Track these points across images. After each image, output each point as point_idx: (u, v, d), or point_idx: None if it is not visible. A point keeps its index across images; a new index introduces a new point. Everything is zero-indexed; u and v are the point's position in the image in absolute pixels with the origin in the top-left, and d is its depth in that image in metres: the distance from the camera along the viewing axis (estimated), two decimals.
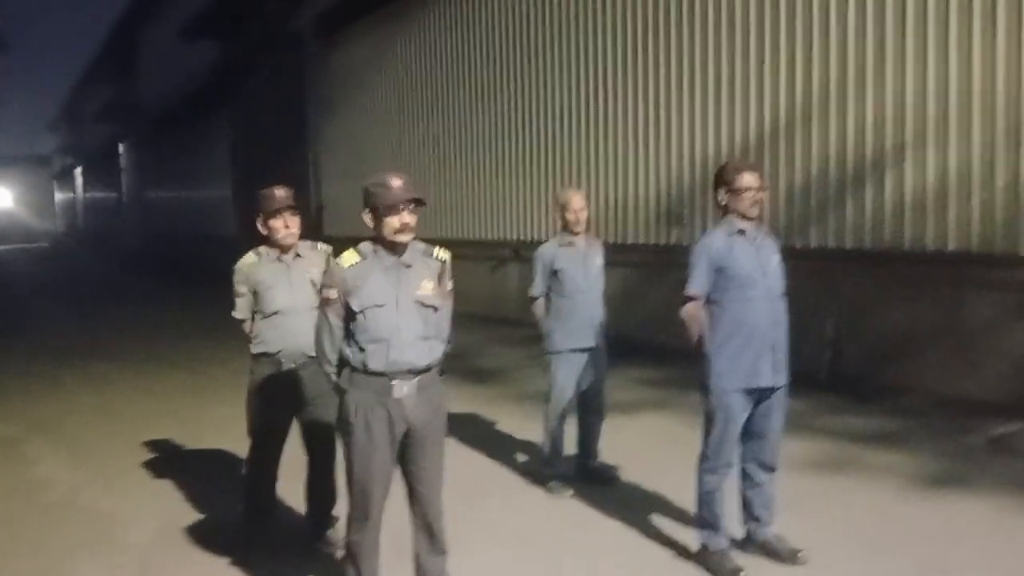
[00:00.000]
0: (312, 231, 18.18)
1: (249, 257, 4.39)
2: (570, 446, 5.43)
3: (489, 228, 12.75)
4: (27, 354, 11.32)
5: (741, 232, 3.91)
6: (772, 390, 3.99)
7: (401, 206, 3.25)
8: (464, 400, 7.43)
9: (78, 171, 54.30)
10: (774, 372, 3.95)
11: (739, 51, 8.58)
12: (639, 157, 9.93)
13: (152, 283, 22.21)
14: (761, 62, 8.35)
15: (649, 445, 6.13)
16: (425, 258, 3.41)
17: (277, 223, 4.31)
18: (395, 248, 3.32)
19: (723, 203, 3.95)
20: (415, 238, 3.36)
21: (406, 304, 3.30)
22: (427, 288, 3.34)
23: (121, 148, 39.36)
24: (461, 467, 5.46)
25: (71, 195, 59.34)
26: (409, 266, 3.34)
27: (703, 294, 3.91)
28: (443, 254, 3.47)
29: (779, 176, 8.20)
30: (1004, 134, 6.53)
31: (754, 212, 3.92)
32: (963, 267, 6.87)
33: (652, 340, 9.33)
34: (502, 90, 12.29)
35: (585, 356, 5.17)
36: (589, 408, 5.34)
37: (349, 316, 3.30)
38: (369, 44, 15.99)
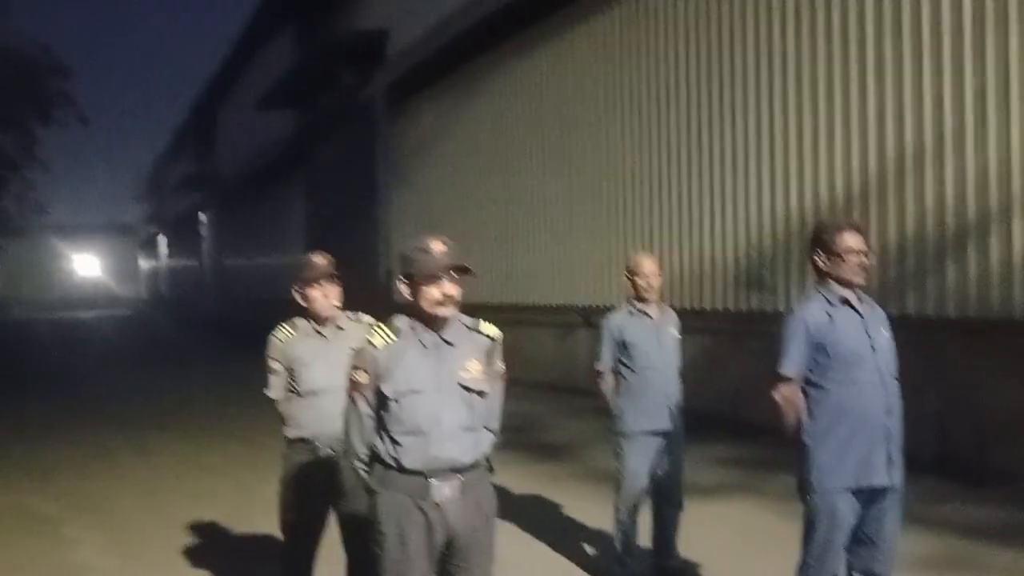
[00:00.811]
0: (381, 299, 18.18)
1: (284, 330, 4.03)
2: (645, 540, 4.87)
3: (559, 293, 12.31)
4: (84, 422, 11.16)
5: (844, 302, 3.39)
6: (886, 490, 3.40)
7: (442, 274, 2.82)
8: (527, 478, 6.91)
9: (161, 239, 55.93)
10: (889, 468, 3.37)
11: (823, 102, 8.05)
12: (716, 217, 9.40)
13: (224, 347, 22.30)
14: (847, 114, 7.81)
15: (734, 538, 5.51)
16: (471, 333, 2.95)
17: (315, 292, 3.96)
18: (435, 323, 2.87)
19: (823, 268, 3.44)
20: (459, 310, 2.91)
21: (448, 389, 2.84)
22: (473, 369, 2.88)
23: (202, 217, 40.35)
24: (521, 559, 4.94)
25: (155, 263, 61.09)
26: (452, 344, 2.89)
27: (800, 374, 3.38)
28: (492, 330, 3.00)
29: (871, 236, 7.57)
30: None
31: (859, 278, 3.39)
32: None
33: (732, 414, 8.71)
34: (572, 152, 11.95)
35: (659, 440, 4.67)
36: (665, 499, 4.79)
37: (381, 403, 2.85)
38: (438, 110, 15.93)
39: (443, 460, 2.81)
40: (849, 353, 3.31)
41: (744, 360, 8.89)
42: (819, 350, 3.34)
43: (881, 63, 7.49)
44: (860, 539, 3.44)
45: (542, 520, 5.94)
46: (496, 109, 13.92)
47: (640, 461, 4.66)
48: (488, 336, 2.98)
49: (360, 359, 2.90)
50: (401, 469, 2.82)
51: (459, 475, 2.84)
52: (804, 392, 3.39)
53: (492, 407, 2.97)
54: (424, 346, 2.87)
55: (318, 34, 19.30)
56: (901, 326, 7.48)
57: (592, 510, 5.94)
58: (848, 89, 7.79)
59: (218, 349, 22.36)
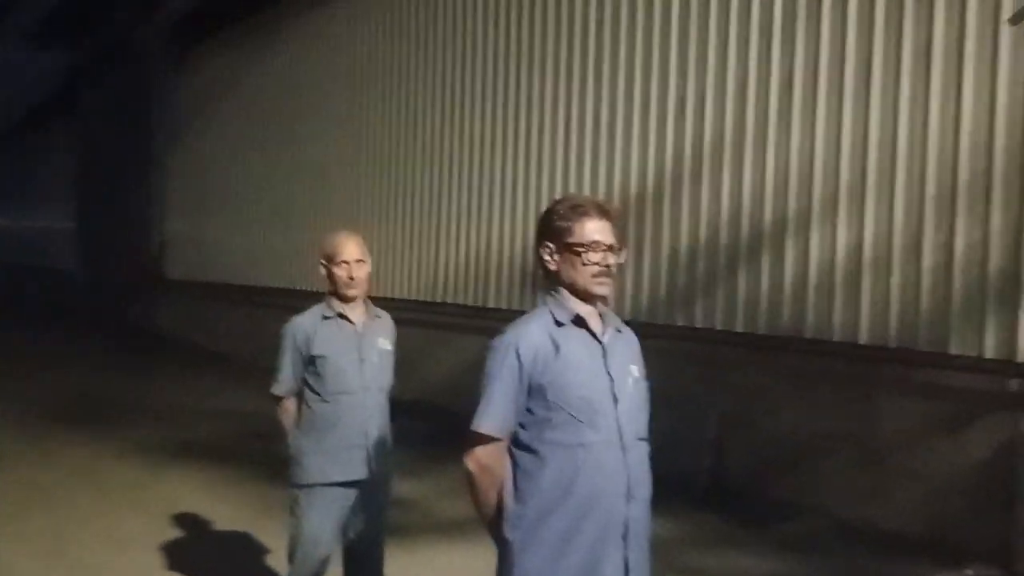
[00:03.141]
0: (151, 274, 16.26)
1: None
2: None
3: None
4: None
5: (579, 322, 2.37)
6: None
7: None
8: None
9: None
10: None
11: (621, 93, 7.22)
12: (503, 211, 8.43)
13: None
14: (645, 105, 7.01)
15: None
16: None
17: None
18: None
19: (552, 268, 2.41)
20: None
21: None
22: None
23: None
24: None
25: None
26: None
27: (505, 431, 2.34)
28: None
29: (662, 240, 6.82)
30: (934, 202, 5.27)
31: (602, 288, 2.38)
32: (877, 364, 5.56)
33: None
34: (362, 122, 10.69)
35: (352, 493, 3.44)
36: (359, 569, 3.58)
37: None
38: (224, 64, 14.23)
39: None
40: (580, 402, 2.31)
41: None
42: (536, 395, 2.32)
43: (684, 48, 6.73)
44: None
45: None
46: (287, 68, 12.43)
47: (322, 522, 3.43)
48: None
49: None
50: None
51: None
52: (512, 458, 2.36)
53: None
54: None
55: None
56: (685, 338, 6.90)
57: None
58: (647, 77, 6.99)
59: None
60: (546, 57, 7.93)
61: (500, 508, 2.34)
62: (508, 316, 7.46)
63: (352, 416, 3.41)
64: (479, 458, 2.32)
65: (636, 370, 2.45)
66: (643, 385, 2.48)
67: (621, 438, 2.34)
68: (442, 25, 9.26)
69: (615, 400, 2.35)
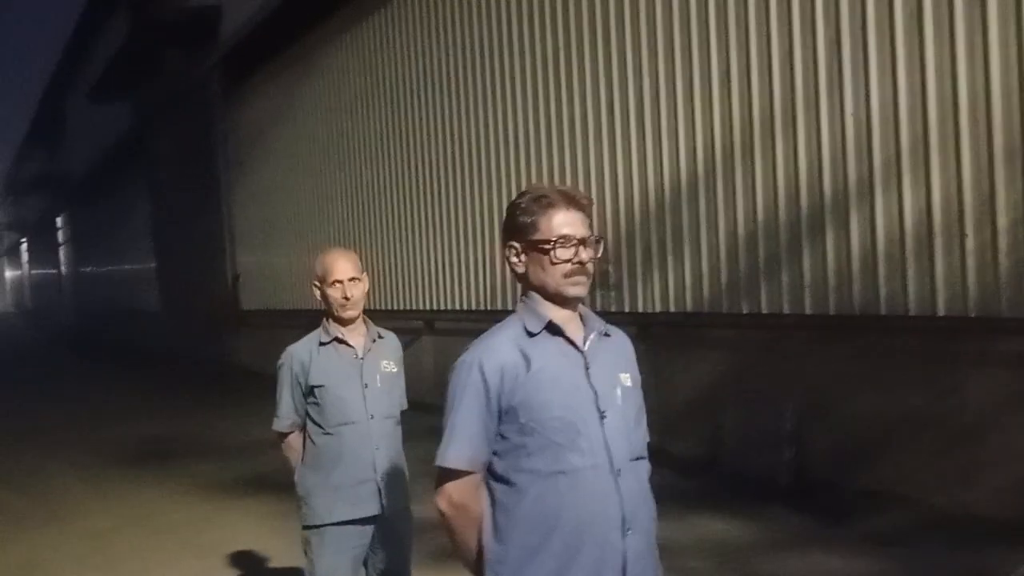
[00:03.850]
0: (229, 307, 16.50)
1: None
2: None
3: (401, 296, 10.93)
4: None
5: (553, 330, 2.08)
6: None
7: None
8: None
9: (23, 246, 52.24)
10: None
11: (662, 73, 6.89)
12: None
13: (76, 363, 20.27)
14: (687, 83, 6.67)
15: None
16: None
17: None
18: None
19: (519, 271, 2.13)
20: None
21: None
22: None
23: (58, 221, 37.45)
24: None
25: (19, 271, 57.16)
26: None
27: (478, 463, 2.07)
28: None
29: (718, 224, 6.47)
30: (1004, 154, 4.82)
31: (576, 288, 2.08)
32: (958, 337, 5.12)
33: None
34: (405, 138, 10.57)
35: (367, 531, 3.20)
36: None
37: None
38: (273, 93, 14.34)
39: None
40: (558, 422, 2.01)
41: None
42: (508, 418, 2.03)
43: (723, 22, 6.37)
44: None
45: None
46: (329, 92, 12.45)
47: (336, 564, 3.17)
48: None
49: None
50: None
51: None
52: (488, 491, 2.08)
53: None
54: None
55: (146, 12, 17.40)
56: (753, 326, 6.54)
57: None
58: (690, 56, 6.65)
59: (61, 370, 20.23)
60: (583, 43, 7.64)
61: (481, 549, 2.06)
62: None
63: (358, 448, 3.16)
64: (451, 496, 2.04)
65: (627, 379, 2.14)
66: (637, 395, 2.17)
67: (611, 460, 2.03)
68: (477, 31, 9.06)
69: (601, 416, 2.04)
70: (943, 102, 5.07)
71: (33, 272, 50.08)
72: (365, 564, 3.24)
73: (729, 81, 6.34)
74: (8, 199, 54.79)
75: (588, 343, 2.10)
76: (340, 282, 3.21)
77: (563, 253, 2.03)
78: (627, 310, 7.20)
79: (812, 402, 5.86)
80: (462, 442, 2.03)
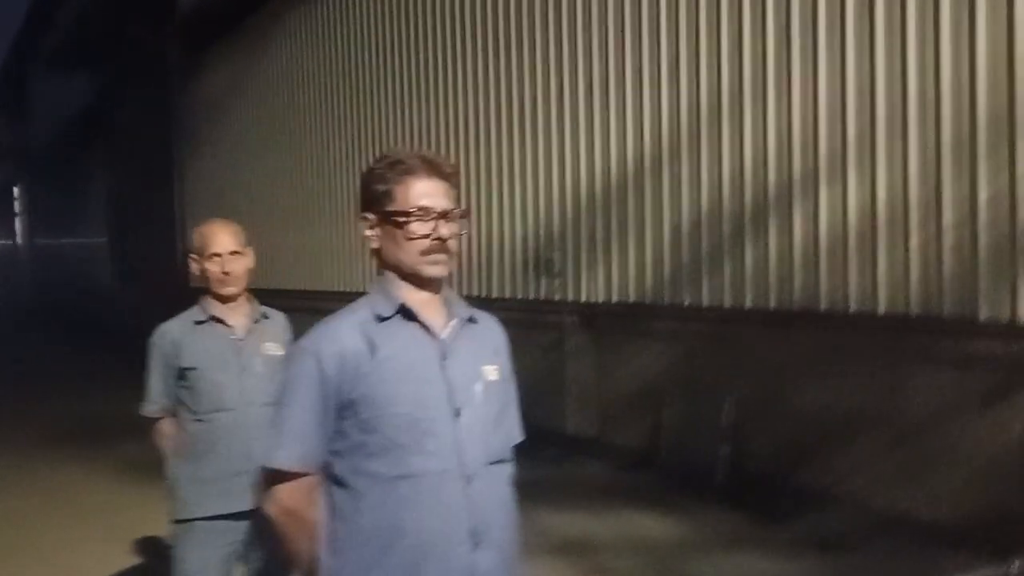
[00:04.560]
0: (178, 284, 16.14)
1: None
2: None
3: (355, 277, 10.68)
4: None
5: (407, 314, 1.86)
6: None
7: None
8: None
9: None
10: None
11: (611, 60, 6.70)
12: (499, 195, 7.95)
13: (21, 339, 19.79)
14: (636, 71, 6.49)
15: None
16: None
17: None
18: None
19: (375, 245, 1.91)
20: None
21: None
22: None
23: (15, 191, 36.67)
24: None
25: None
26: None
27: (312, 462, 1.84)
28: None
29: (662, 214, 6.30)
30: (951, 149, 4.68)
31: (436, 268, 1.86)
32: (900, 335, 5.00)
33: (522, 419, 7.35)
34: (356, 118, 10.31)
35: (240, 527, 2.93)
36: None
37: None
38: (230, 68, 13.98)
39: None
40: (401, 419, 1.79)
41: (532, 355, 7.55)
42: (348, 413, 1.81)
43: (674, 10, 6.19)
44: None
45: None
46: (285, 65, 12.13)
47: (204, 562, 2.92)
48: None
49: None
50: None
51: None
52: (327, 496, 1.86)
53: None
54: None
55: None
56: (695, 318, 6.40)
57: None
58: (640, 43, 6.46)
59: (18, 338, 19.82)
60: (534, 29, 7.42)
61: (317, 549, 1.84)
62: (512, 305, 7.03)
63: (232, 438, 2.90)
64: (281, 501, 1.82)
65: (492, 372, 1.92)
66: (503, 390, 1.95)
67: (461, 464, 1.81)
68: (436, 3, 8.81)
69: (455, 414, 1.82)
70: (892, 96, 4.92)
71: None
72: (242, 562, 3.02)
73: (678, 69, 6.16)
74: None
75: (448, 331, 1.88)
76: (219, 255, 2.98)
77: (420, 227, 1.82)
78: (570, 299, 7.03)
79: (752, 397, 5.73)
80: (293, 440, 1.82)
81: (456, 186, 1.91)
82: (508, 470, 1.95)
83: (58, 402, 10.43)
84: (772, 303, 5.58)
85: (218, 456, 2.93)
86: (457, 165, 1.91)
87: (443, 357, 1.85)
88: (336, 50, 10.80)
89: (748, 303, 5.72)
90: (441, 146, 8.71)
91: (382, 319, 1.84)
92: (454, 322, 1.90)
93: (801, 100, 5.37)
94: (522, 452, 5.78)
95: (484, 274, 8.11)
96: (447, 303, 1.93)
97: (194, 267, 3.05)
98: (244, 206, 13.69)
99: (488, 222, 8.06)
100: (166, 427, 3.08)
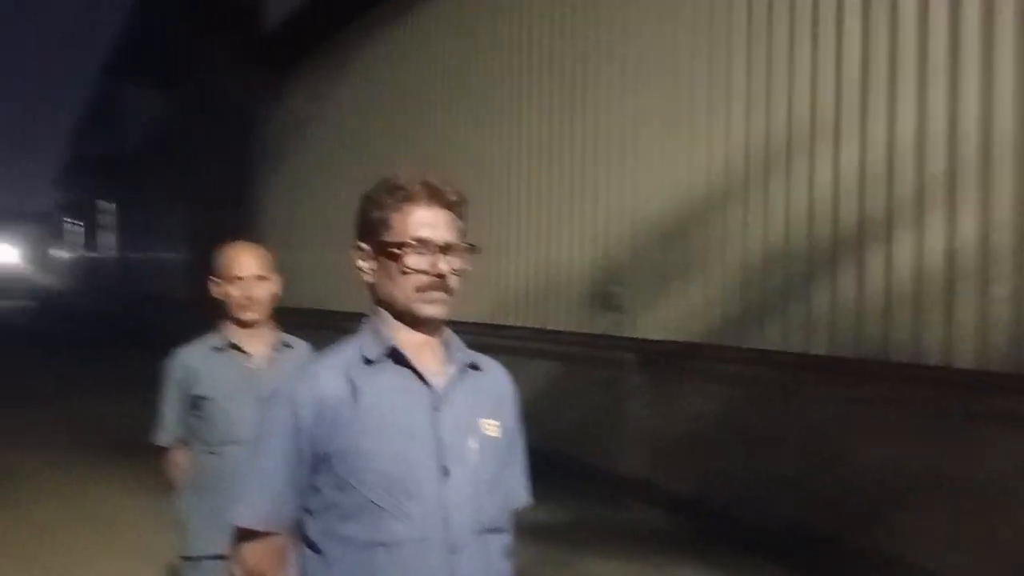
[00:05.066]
0: None
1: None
2: None
3: None
4: None
5: (395, 357, 1.67)
6: None
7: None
8: None
9: (73, 229, 53.17)
10: None
11: (685, 88, 6.48)
12: (563, 223, 7.76)
13: (96, 347, 20.29)
14: (709, 100, 6.25)
15: None
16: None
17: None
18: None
19: (368, 280, 1.73)
20: None
21: None
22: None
23: (104, 205, 37.96)
24: None
25: (67, 253, 58.21)
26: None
27: (283, 521, 1.64)
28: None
29: (729, 251, 6.03)
30: None
31: (430, 308, 1.67)
32: (979, 392, 4.62)
33: (571, 454, 7.13)
34: (420, 141, 10.27)
35: None
36: None
37: None
38: (310, 90, 14.17)
39: None
40: (380, 478, 1.58)
41: (588, 392, 7.32)
42: (323, 467, 1.61)
43: (751, 41, 5.95)
44: None
45: None
46: (359, 89, 12.23)
47: None
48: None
49: None
50: None
51: None
52: (300, 558, 1.66)
53: None
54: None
55: (194, 4, 17.44)
56: (757, 362, 6.08)
57: None
58: (711, 73, 6.23)
59: (98, 350, 20.34)
60: (611, 58, 7.24)
61: None
62: (570, 339, 6.81)
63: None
64: (245, 560, 1.64)
65: (493, 427, 1.70)
66: (503, 448, 1.73)
67: (447, 532, 1.59)
68: (507, 30, 8.72)
69: (443, 473, 1.61)
70: (980, 132, 4.59)
71: (80, 254, 50.94)
72: None
73: (749, 102, 5.91)
74: (64, 182, 55.95)
75: (444, 377, 1.67)
76: (241, 279, 2.85)
77: (416, 261, 1.64)
78: (630, 335, 6.78)
79: (814, 449, 5.39)
80: (260, 496, 1.63)
81: (462, 216, 1.72)
82: (503, 541, 1.72)
83: (110, 410, 10.54)
84: (841, 351, 5.24)
85: (229, 492, 2.76)
86: (463, 192, 1.70)
87: (434, 408, 1.64)
88: (407, 74, 10.81)
89: (816, 349, 5.39)
90: (505, 173, 8.58)
91: (369, 362, 1.64)
92: (451, 368, 1.69)
93: (881, 135, 5.07)
94: (571, 491, 5.55)
95: (542, 305, 7.91)
96: (446, 346, 1.72)
97: (215, 290, 2.93)
98: (319, 228, 13.81)
99: (548, 252, 7.88)
100: (178, 457, 2.94)
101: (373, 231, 1.68)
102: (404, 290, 1.64)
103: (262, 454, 1.64)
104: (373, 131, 11.89)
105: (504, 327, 8.31)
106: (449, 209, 1.68)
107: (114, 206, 36.08)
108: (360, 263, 1.71)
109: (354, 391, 1.61)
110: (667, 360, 6.49)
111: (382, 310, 1.69)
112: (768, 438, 5.66)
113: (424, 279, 1.63)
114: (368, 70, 12.05)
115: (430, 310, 1.65)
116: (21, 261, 72.38)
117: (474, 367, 1.75)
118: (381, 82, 11.64)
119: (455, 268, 1.67)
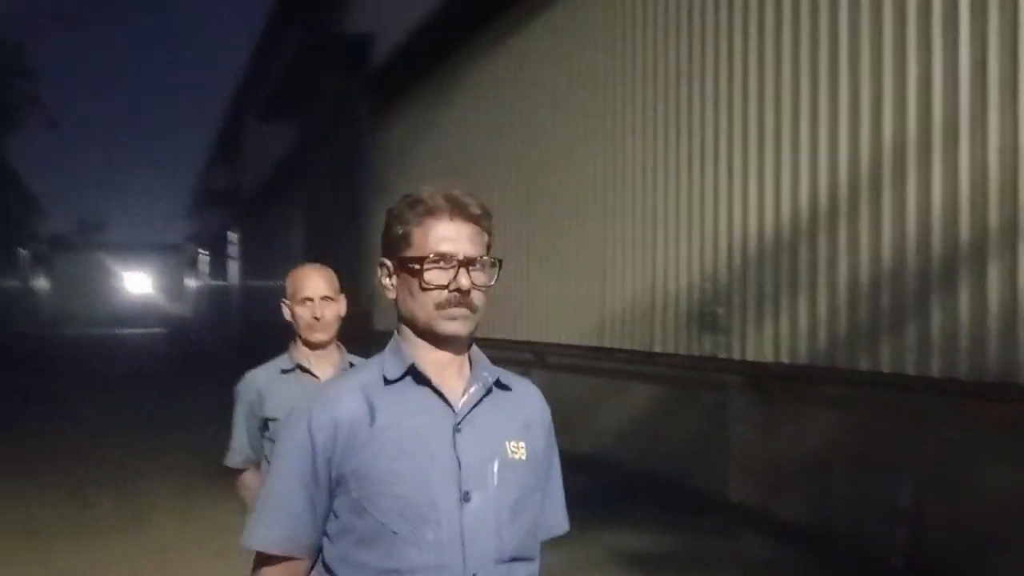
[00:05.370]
0: (364, 330, 16.74)
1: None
2: None
3: (510, 326, 10.59)
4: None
5: (417, 377, 1.60)
6: None
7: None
8: None
9: (202, 258, 55.66)
10: None
11: (789, 100, 6.28)
12: (668, 244, 7.62)
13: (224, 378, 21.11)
14: (814, 113, 6.04)
15: None
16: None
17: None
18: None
19: (392, 296, 1.67)
20: None
21: None
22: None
23: (230, 235, 39.61)
24: None
25: (198, 282, 60.93)
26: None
27: (298, 547, 1.58)
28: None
29: (839, 268, 5.79)
30: None
31: (451, 326, 1.59)
32: None
33: (678, 480, 6.95)
34: (526, 164, 10.29)
35: None
36: None
37: None
38: (414, 118, 14.49)
39: None
40: (395, 502, 1.51)
41: (693, 415, 7.13)
42: (340, 490, 1.55)
43: (856, 48, 5.72)
44: None
45: None
46: (461, 116, 12.41)
47: None
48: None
49: None
50: None
51: None
52: None
53: None
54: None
55: (309, 38, 18.12)
56: (870, 384, 5.79)
57: None
58: (817, 84, 6.02)
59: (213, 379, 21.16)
60: (713, 75, 7.11)
61: None
62: (674, 362, 6.67)
63: None
64: None
65: (519, 449, 1.61)
66: (531, 472, 1.63)
67: (466, 559, 1.51)
68: (604, 54, 8.69)
69: (463, 498, 1.53)
70: None
71: (210, 284, 53.25)
72: None
73: (858, 111, 5.68)
74: (194, 213, 58.76)
75: (466, 398, 1.60)
76: (310, 300, 2.88)
77: (436, 276, 1.57)
78: (736, 357, 6.58)
79: (936, 477, 5.08)
80: (275, 519, 1.57)
81: (487, 230, 1.65)
82: (529, 570, 1.62)
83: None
84: (962, 372, 4.94)
85: None
86: (488, 206, 1.64)
87: (455, 429, 1.57)
88: (505, 100, 10.89)
89: (934, 371, 5.09)
90: (609, 195, 8.51)
91: (389, 381, 1.59)
92: (474, 388, 1.62)
93: (999, 142, 4.78)
94: (681, 519, 5.40)
95: (645, 327, 7.77)
96: (472, 365, 1.65)
97: (285, 312, 2.96)
98: None
99: (652, 271, 7.75)
100: (249, 479, 2.98)
101: (395, 246, 1.63)
102: (424, 307, 1.58)
103: (278, 476, 1.59)
104: (474, 157, 12.01)
105: (608, 349, 8.21)
106: (473, 223, 1.62)
107: (238, 236, 37.62)
108: (384, 280, 1.66)
109: (371, 411, 1.55)
110: (775, 382, 6.27)
111: (405, 328, 1.64)
112: (884, 464, 5.38)
113: (444, 295, 1.57)
114: (468, 98, 12.21)
115: (451, 327, 1.58)
116: (153, 290, 76.15)
117: (502, 386, 1.67)
118: (481, 109, 11.77)
119: (478, 283, 1.59)
